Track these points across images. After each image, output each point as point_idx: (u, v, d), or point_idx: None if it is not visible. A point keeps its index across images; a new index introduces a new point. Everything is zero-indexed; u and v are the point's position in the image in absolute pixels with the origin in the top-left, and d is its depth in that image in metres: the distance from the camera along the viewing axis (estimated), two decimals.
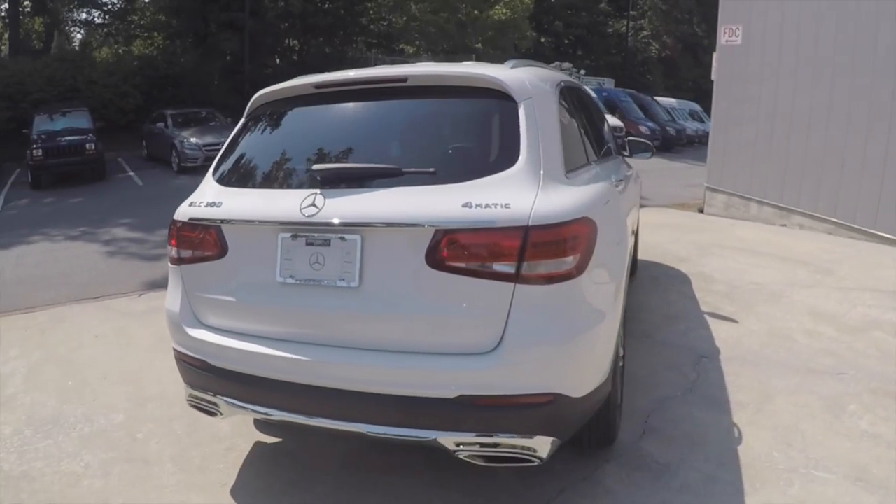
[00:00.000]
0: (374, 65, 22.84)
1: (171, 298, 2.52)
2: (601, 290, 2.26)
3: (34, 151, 12.52)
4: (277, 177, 2.45)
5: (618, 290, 2.44)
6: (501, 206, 2.01)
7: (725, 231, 7.37)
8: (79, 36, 28.54)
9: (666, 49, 35.18)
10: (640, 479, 2.59)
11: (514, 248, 1.97)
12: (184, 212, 2.47)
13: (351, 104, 2.52)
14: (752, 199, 7.84)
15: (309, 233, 2.18)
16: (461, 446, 2.06)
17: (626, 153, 4.63)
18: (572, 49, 32.05)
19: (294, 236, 2.20)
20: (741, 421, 3.01)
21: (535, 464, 2.10)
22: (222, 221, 2.34)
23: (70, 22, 27.64)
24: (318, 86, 2.52)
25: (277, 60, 22.30)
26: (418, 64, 2.59)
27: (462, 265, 2.00)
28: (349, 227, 2.12)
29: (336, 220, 2.12)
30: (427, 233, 2.02)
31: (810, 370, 3.54)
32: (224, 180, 2.51)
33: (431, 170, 2.16)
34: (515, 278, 1.98)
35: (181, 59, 20.68)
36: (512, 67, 2.53)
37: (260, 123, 2.65)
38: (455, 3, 17.25)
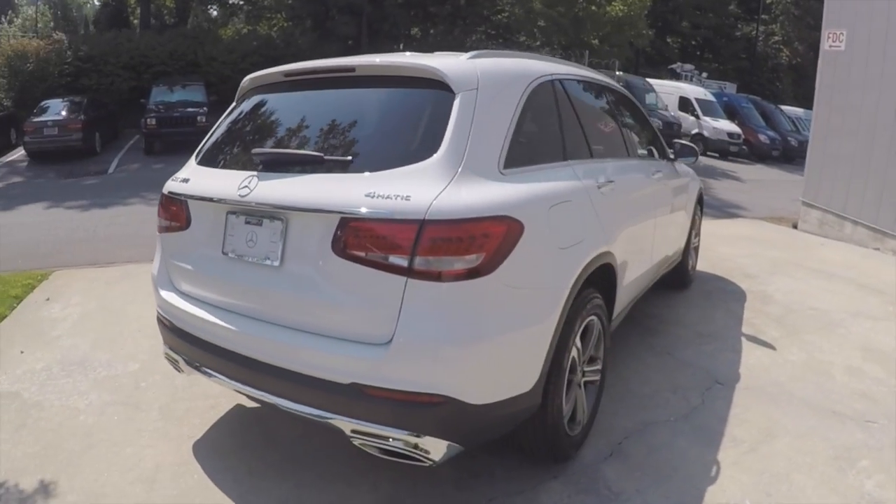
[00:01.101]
0: None
1: (155, 263, 2.63)
2: (522, 295, 2.01)
3: (149, 120, 13.27)
4: (234, 159, 2.45)
5: (555, 297, 2.16)
6: (401, 198, 1.88)
7: (810, 250, 6.44)
8: (214, 13, 28.02)
9: (797, 56, 31.39)
10: (579, 502, 2.31)
11: (408, 242, 1.84)
12: (167, 185, 2.54)
13: (309, 92, 2.47)
14: (846, 218, 6.76)
15: (246, 212, 2.19)
16: (355, 433, 1.98)
17: (671, 157, 4.14)
18: (700, 51, 29.53)
19: (237, 214, 2.23)
20: (727, 459, 2.59)
21: (428, 465, 1.95)
22: (187, 197, 2.40)
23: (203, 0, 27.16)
24: (286, 74, 2.49)
25: (401, 46, 22.29)
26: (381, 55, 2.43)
27: (361, 254, 1.90)
28: (274, 208, 2.10)
29: (261, 202, 2.11)
30: (333, 220, 1.95)
31: (834, 413, 2.97)
32: (199, 159, 2.56)
33: (348, 158, 2.08)
34: (408, 272, 1.85)
35: (298, 40, 20.44)
36: (471, 58, 2.30)
37: (241, 108, 2.65)
38: None
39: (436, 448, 1.93)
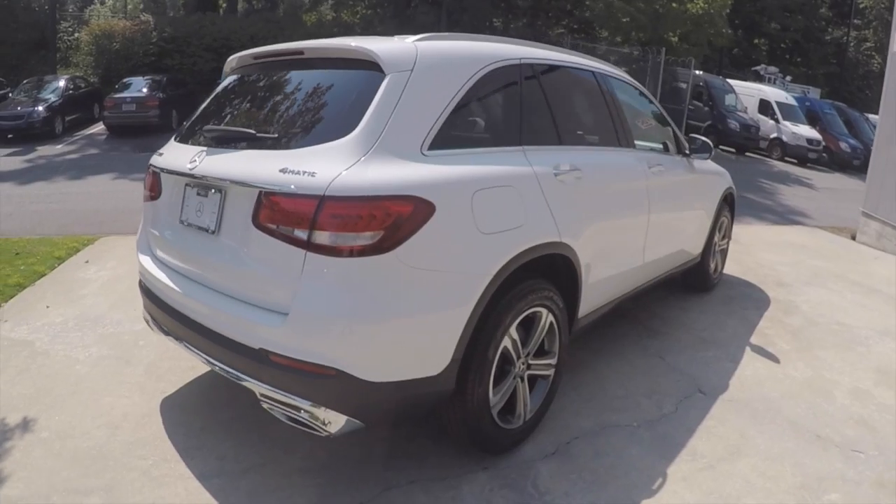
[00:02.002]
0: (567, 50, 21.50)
1: (139, 230, 2.69)
2: (428, 277, 1.89)
3: None
4: (196, 135, 2.46)
5: (473, 283, 1.99)
6: (307, 174, 1.86)
7: (859, 263, 5.69)
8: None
9: None
10: (496, 498, 2.13)
11: (308, 216, 1.81)
12: (150, 159, 2.58)
13: (271, 74, 2.44)
14: None
15: (197, 184, 2.23)
16: (263, 397, 1.98)
17: (686, 152, 3.74)
18: (788, 54, 26.84)
19: (191, 186, 2.27)
20: (677, 473, 2.30)
21: (325, 435, 1.91)
22: (159, 169, 2.47)
23: None
24: (255, 56, 2.48)
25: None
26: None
27: (272, 226, 1.91)
28: (213, 181, 2.13)
29: (202, 174, 2.16)
30: (254, 193, 1.95)
31: (819, 437, 2.57)
32: (177, 135, 2.59)
33: (275, 135, 2.09)
34: (307, 245, 1.83)
35: (377, 28, 20.13)
36: (417, 40, 2.17)
37: (219, 87, 2.65)
38: None
39: (334, 420, 1.90)
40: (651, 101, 3.59)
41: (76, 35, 19.06)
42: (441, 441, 2.42)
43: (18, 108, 12.83)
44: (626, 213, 2.91)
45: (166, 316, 2.34)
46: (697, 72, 17.21)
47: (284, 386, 1.92)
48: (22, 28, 19.36)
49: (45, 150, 11.55)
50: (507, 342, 2.20)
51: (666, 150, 3.70)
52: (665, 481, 2.24)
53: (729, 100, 16.78)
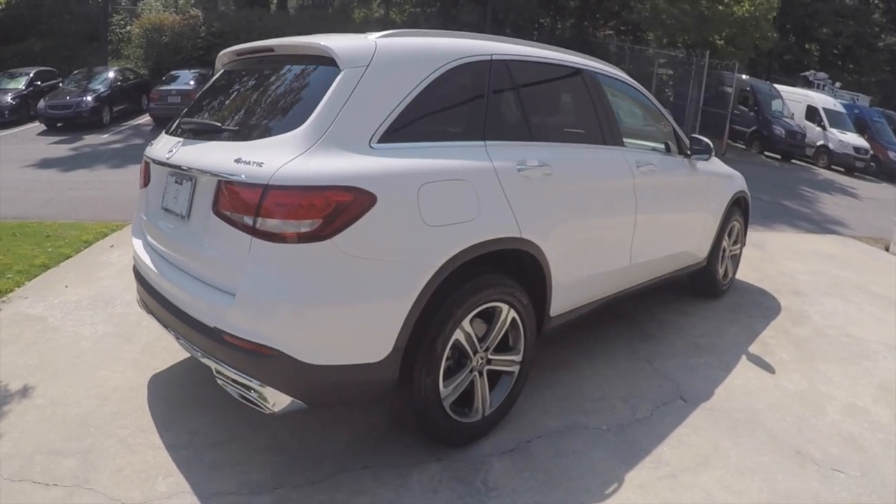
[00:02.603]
0: (613, 52, 20.84)
1: (135, 216, 2.75)
2: (368, 265, 1.86)
3: None
4: (179, 127, 2.49)
5: (416, 274, 1.94)
6: (256, 164, 1.88)
7: (885, 274, 5.23)
8: None
9: None
10: (443, 489, 2.06)
11: (254, 203, 1.83)
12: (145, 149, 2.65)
13: (249, 69, 2.45)
14: None
15: (176, 173, 2.27)
16: (218, 374, 2.03)
17: (688, 153, 3.52)
18: (840, 60, 25.00)
19: (171, 174, 2.31)
20: (635, 480, 2.16)
21: (267, 413, 1.92)
22: (148, 159, 2.54)
23: None
24: (237, 53, 2.50)
25: (534, 36, 21.30)
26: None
27: (226, 213, 1.95)
28: (185, 170, 2.18)
29: (175, 163, 2.22)
30: (214, 181, 1.98)
31: (799, 453, 2.35)
32: (167, 128, 2.62)
33: (236, 128, 2.13)
34: (253, 231, 1.85)
35: (422, 26, 19.64)
36: (380, 37, 2.13)
37: (209, 83, 2.67)
38: None
39: (279, 400, 1.92)
40: (651, 101, 3.39)
41: (128, 28, 18.88)
42: (403, 430, 2.37)
43: (68, 98, 12.87)
44: (606, 211, 2.75)
45: (148, 295, 2.40)
46: (744, 76, 16.35)
47: (235, 364, 1.94)
48: (76, 20, 19.18)
49: (92, 139, 11.74)
50: (459, 335, 2.12)
51: (667, 150, 3.50)
52: (620, 487, 2.11)
53: (775, 105, 15.86)
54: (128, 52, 18.23)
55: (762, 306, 4.16)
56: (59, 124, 12.59)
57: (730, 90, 15.25)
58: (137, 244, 2.59)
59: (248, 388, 1.95)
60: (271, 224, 1.81)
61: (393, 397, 2.15)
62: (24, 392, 2.56)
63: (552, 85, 2.70)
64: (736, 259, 4.46)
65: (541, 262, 2.36)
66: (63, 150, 10.66)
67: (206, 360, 2.06)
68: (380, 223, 1.86)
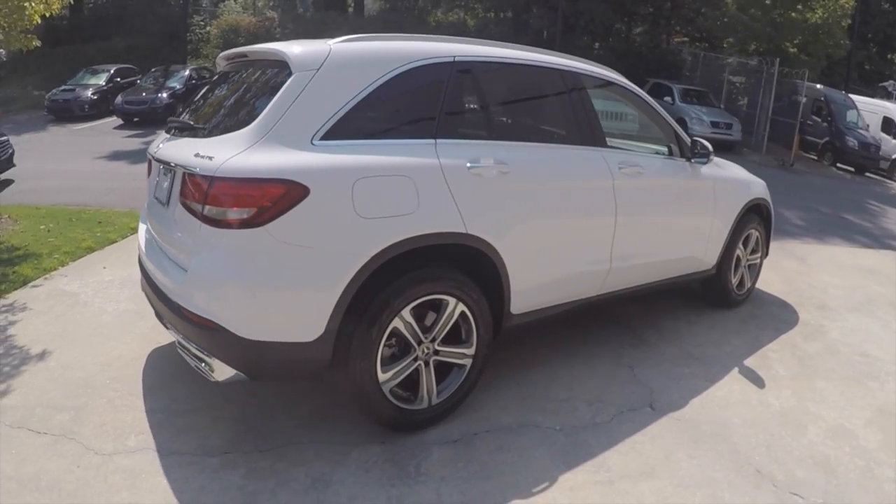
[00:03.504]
0: (687, 58, 19.64)
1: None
2: (299, 252, 1.92)
3: None
4: (170, 125, 2.63)
5: (347, 262, 1.97)
6: (208, 158, 1.99)
7: None
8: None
9: None
10: (375, 470, 2.05)
11: (203, 193, 1.95)
12: None
13: (233, 73, 2.55)
14: None
15: (164, 167, 2.40)
16: (179, 345, 2.20)
17: (689, 157, 3.24)
18: None
19: (160, 167, 2.46)
20: (569, 482, 2.04)
21: (213, 381, 2.05)
22: (149, 154, 2.68)
23: None
24: (226, 57, 2.63)
25: (607, 41, 20.07)
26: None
27: (186, 201, 2.05)
28: (166, 163, 2.31)
29: (158, 157, 2.38)
30: (181, 173, 2.11)
31: (759, 473, 2.10)
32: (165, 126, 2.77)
33: (204, 126, 2.22)
34: (201, 217, 1.96)
35: (492, 30, 19.31)
36: (340, 42, 2.17)
37: (207, 85, 2.79)
38: (764, 1, 13.45)
39: (221, 370, 2.01)
40: (649, 104, 3.16)
41: (207, 28, 19.34)
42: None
43: (143, 94, 13.02)
44: (577, 212, 2.60)
45: (141, 274, 2.55)
46: (817, 85, 14.91)
47: (190, 336, 2.07)
48: (158, 20, 19.49)
49: None
50: (398, 324, 2.11)
51: (670, 153, 3.26)
52: (549, 487, 1.99)
53: (850, 116, 14.31)
54: (206, 52, 18.55)
55: (778, 319, 3.77)
56: (135, 119, 12.74)
57: (802, 99, 13.96)
58: (141, 228, 2.77)
59: (200, 359, 2.06)
60: (215, 211, 1.91)
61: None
62: (41, 356, 2.79)
63: (520, 86, 2.59)
64: (755, 269, 4.07)
65: (493, 258, 2.27)
66: (135, 143, 10.66)
67: (171, 332, 2.19)
68: (312, 214, 1.91)
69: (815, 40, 14.17)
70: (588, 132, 2.69)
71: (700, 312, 3.77)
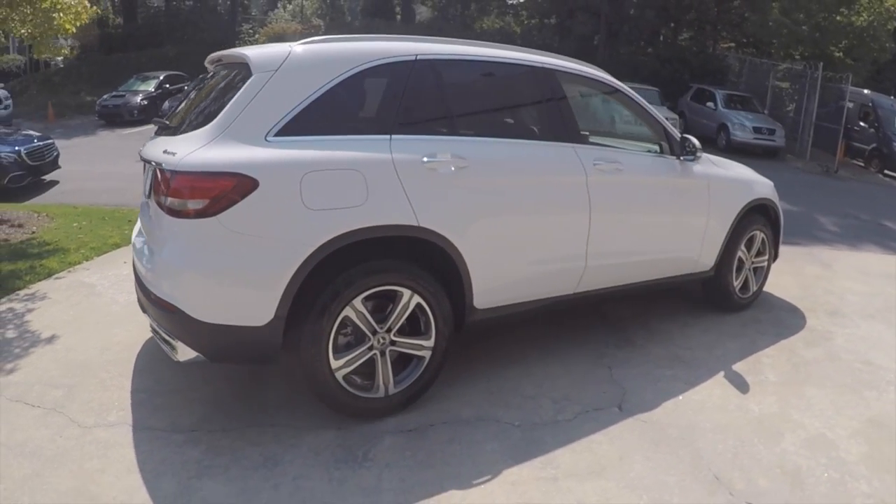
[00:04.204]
0: (732, 63, 18.61)
1: None
2: (248, 240, 1.96)
3: None
4: (156, 125, 2.69)
5: (294, 251, 1.98)
6: (172, 154, 2.07)
7: None
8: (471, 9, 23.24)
9: None
10: (325, 453, 2.05)
11: (166, 186, 2.01)
12: None
13: (211, 76, 2.61)
14: None
15: (144, 163, 2.48)
16: (151, 327, 2.26)
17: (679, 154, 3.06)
18: None
19: (147, 164, 2.52)
20: (511, 477, 1.96)
21: (175, 360, 2.11)
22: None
23: None
24: (209, 61, 2.69)
25: (651, 47, 19.25)
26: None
27: (156, 195, 2.13)
28: (146, 160, 2.39)
29: (142, 156, 2.44)
30: (153, 168, 2.20)
31: (717, 479, 1.93)
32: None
33: (176, 125, 2.31)
34: (165, 208, 2.03)
35: (535, 37, 19.08)
36: (302, 44, 2.21)
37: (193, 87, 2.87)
38: (808, 5, 12.53)
39: (183, 352, 2.07)
40: (637, 102, 2.99)
41: (256, 36, 19.53)
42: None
43: None
44: (545, 208, 2.49)
45: (132, 266, 2.64)
46: (865, 91, 13.83)
47: (157, 319, 2.14)
48: (207, 28, 19.91)
49: None
50: (350, 313, 2.09)
51: (661, 151, 3.08)
52: (491, 480, 1.91)
53: None
54: None
55: (783, 324, 3.48)
56: None
57: (848, 105, 12.97)
58: (136, 228, 2.86)
59: (166, 341, 2.12)
60: (177, 203, 1.98)
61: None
62: (50, 339, 2.93)
63: (486, 83, 2.52)
64: (761, 272, 3.78)
65: (450, 252, 2.21)
66: None
67: (146, 315, 2.26)
68: (261, 205, 1.94)
69: (861, 44, 13.12)
70: (561, 128, 2.58)
71: (699, 316, 3.54)
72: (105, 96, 14.03)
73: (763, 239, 3.70)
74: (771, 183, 3.83)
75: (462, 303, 2.34)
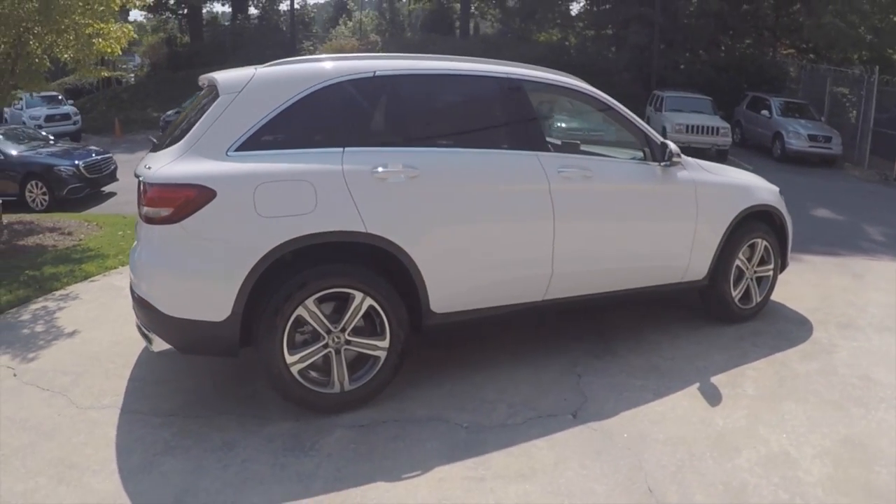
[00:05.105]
0: (790, 70, 17.30)
1: None
2: (208, 244, 2.13)
3: None
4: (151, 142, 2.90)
5: (248, 253, 2.11)
6: (148, 168, 2.28)
7: None
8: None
9: None
10: (277, 441, 2.16)
11: (144, 196, 2.22)
12: None
13: (198, 96, 2.76)
14: None
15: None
16: (137, 325, 2.45)
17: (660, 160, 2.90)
18: None
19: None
20: (440, 474, 1.97)
21: (151, 350, 2.34)
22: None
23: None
24: (200, 82, 2.78)
25: (707, 55, 18.19)
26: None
27: (138, 205, 2.32)
28: (136, 176, 2.55)
29: (137, 173, 2.60)
30: (138, 181, 2.41)
31: (650, 492, 1.84)
32: None
33: (161, 142, 2.51)
34: (144, 217, 2.24)
35: (588, 48, 18.55)
36: (270, 65, 2.39)
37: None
38: (862, 7, 11.42)
39: (158, 343, 2.29)
40: (614, 109, 2.88)
41: (316, 52, 19.60)
42: None
43: None
44: (504, 215, 2.46)
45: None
46: None
47: (138, 314, 2.35)
48: (270, 45, 20.04)
49: None
50: (303, 312, 2.20)
51: (644, 158, 2.95)
52: (420, 475, 1.93)
53: None
54: None
55: (785, 336, 3.21)
56: None
57: None
58: None
59: (145, 334, 2.32)
60: (151, 211, 2.19)
61: None
62: (72, 334, 3.22)
63: (444, 95, 2.56)
64: (766, 282, 3.50)
65: (401, 257, 2.25)
66: None
67: (134, 312, 2.45)
68: (218, 213, 2.11)
69: None
70: (523, 137, 2.55)
71: (697, 327, 3.33)
72: (168, 112, 14.61)
73: (766, 247, 3.43)
74: (776, 189, 3.56)
75: (418, 306, 2.36)
